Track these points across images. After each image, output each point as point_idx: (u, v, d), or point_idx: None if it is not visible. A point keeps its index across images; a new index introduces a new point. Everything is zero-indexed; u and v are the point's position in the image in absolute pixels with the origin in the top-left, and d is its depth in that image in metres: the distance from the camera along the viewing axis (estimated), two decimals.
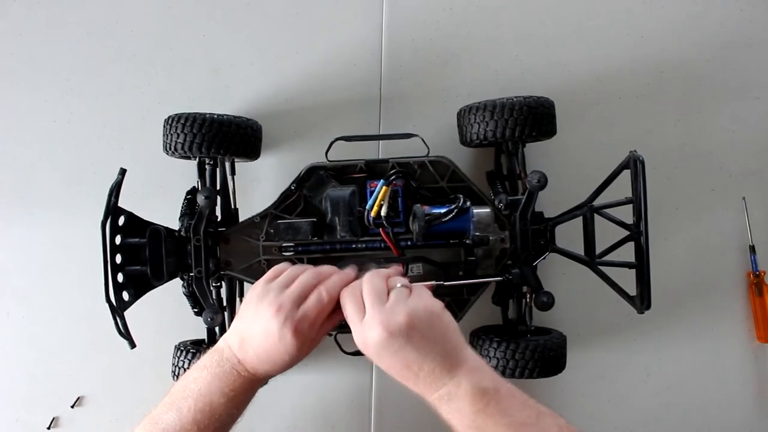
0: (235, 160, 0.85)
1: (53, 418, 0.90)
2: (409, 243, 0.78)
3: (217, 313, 0.76)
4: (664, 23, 0.94)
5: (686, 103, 0.93)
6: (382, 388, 0.90)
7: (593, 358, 0.91)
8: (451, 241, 0.79)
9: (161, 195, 0.90)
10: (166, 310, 0.89)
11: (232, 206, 0.85)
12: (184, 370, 0.78)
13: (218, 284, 0.81)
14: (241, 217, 0.84)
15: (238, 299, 0.84)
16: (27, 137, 0.93)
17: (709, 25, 0.94)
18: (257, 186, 0.91)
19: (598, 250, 0.77)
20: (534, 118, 0.78)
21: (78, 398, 0.90)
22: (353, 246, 0.79)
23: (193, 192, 0.81)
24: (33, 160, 0.93)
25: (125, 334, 0.74)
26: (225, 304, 0.83)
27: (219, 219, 0.83)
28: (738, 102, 0.94)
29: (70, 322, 0.91)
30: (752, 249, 0.91)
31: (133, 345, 0.75)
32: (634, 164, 0.74)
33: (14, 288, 0.92)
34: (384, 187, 0.75)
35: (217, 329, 0.82)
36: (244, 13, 0.92)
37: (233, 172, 0.85)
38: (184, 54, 0.92)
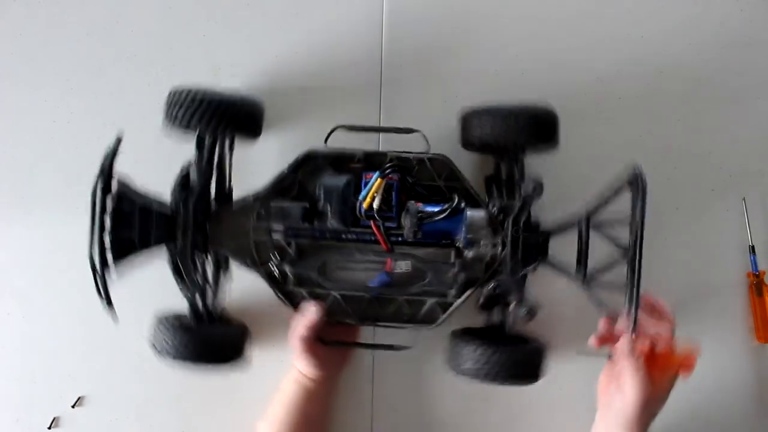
0: (235, 138, 0.84)
1: (53, 418, 0.90)
2: (399, 239, 0.77)
3: (197, 287, 0.75)
4: (664, 23, 0.94)
5: (686, 103, 0.93)
6: (382, 388, 0.90)
7: (593, 358, 0.91)
8: (443, 242, 0.78)
9: (161, 196, 0.90)
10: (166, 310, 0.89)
11: (227, 185, 0.84)
12: (165, 342, 0.77)
13: (204, 257, 0.80)
14: (235, 197, 0.84)
15: (223, 277, 0.84)
16: (27, 137, 0.93)
17: (708, 25, 0.94)
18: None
19: (597, 261, 0.76)
20: (537, 129, 0.77)
21: (78, 398, 0.90)
22: (342, 236, 0.78)
23: (188, 167, 0.80)
24: (33, 160, 0.93)
25: (106, 296, 0.73)
26: (211, 281, 0.82)
27: (213, 197, 0.82)
28: (738, 102, 0.94)
29: (70, 322, 0.91)
30: (752, 249, 0.91)
31: (111, 308, 0.74)
32: (635, 181, 0.72)
33: (14, 288, 0.92)
34: (378, 179, 0.74)
35: (199, 303, 0.80)
36: (244, 12, 0.92)
37: (231, 150, 0.84)
38: (184, 54, 0.92)
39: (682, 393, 0.91)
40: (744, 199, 0.92)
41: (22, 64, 0.93)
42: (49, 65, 0.93)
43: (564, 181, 0.90)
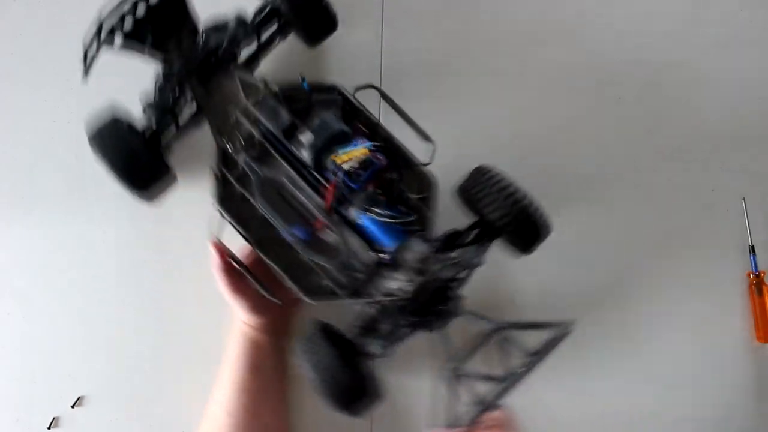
0: (293, 34, 0.85)
1: (53, 418, 0.90)
2: (342, 211, 0.74)
3: (161, 111, 0.76)
4: (664, 23, 0.94)
5: (686, 103, 0.94)
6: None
7: (592, 357, 0.91)
8: (373, 245, 0.74)
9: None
10: (166, 309, 0.89)
11: (258, 62, 0.84)
12: (102, 137, 0.77)
13: (187, 98, 0.79)
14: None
15: (189, 126, 0.83)
16: (27, 137, 0.93)
17: (708, 25, 0.94)
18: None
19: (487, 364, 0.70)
20: (526, 234, 0.75)
21: (78, 398, 0.90)
22: (301, 170, 0.76)
23: (236, 20, 0.80)
24: (33, 160, 0.93)
25: (91, 60, 0.75)
26: (179, 118, 0.81)
27: (240, 60, 0.83)
28: (738, 102, 0.94)
29: (70, 322, 0.91)
30: (752, 249, 0.91)
31: (87, 69, 0.76)
32: (558, 334, 0.68)
33: (14, 288, 0.92)
34: (364, 148, 0.72)
35: (151, 120, 0.79)
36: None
37: (284, 38, 0.84)
38: None
39: (683, 392, 0.92)
40: (744, 199, 0.92)
41: (22, 64, 0.93)
42: (49, 65, 0.93)
43: (565, 180, 0.90)
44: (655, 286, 0.91)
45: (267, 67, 0.88)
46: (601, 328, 0.91)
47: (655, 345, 0.91)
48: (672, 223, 0.92)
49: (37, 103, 0.93)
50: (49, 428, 0.90)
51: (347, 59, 0.94)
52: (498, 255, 0.87)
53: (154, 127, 0.80)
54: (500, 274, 0.90)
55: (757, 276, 0.90)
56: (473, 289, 0.81)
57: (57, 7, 0.93)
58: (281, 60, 0.90)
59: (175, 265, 0.91)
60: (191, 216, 0.86)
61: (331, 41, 0.91)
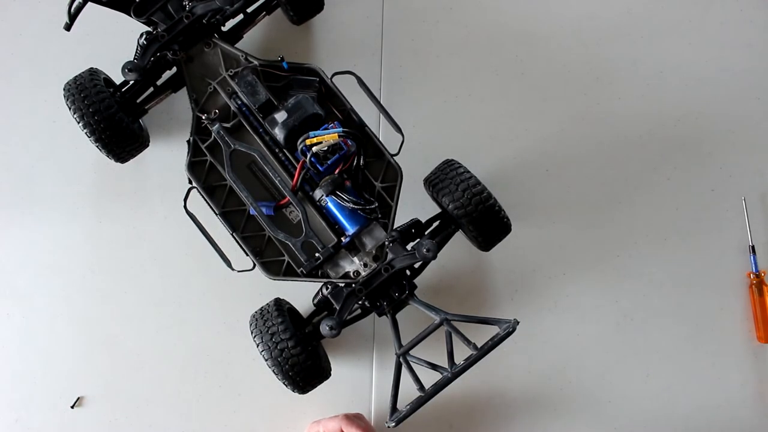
0: (288, 9, 0.87)
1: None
2: (309, 192, 0.78)
3: (140, 70, 0.76)
4: (664, 23, 0.94)
5: (686, 103, 0.94)
6: (382, 387, 0.90)
7: (593, 357, 0.91)
8: (335, 226, 0.78)
9: (160, 194, 0.90)
10: (166, 309, 0.89)
11: (242, 33, 0.85)
12: (82, 93, 0.77)
13: (170, 54, 0.80)
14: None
15: (166, 92, 0.84)
16: (27, 137, 0.93)
17: (708, 25, 0.94)
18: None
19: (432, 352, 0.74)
20: (487, 230, 0.79)
21: (78, 398, 0.90)
22: (272, 147, 0.79)
23: None
24: (33, 160, 0.93)
25: (74, 14, 0.77)
26: (160, 81, 0.83)
27: (223, 30, 0.83)
28: (738, 102, 0.94)
29: (70, 322, 0.91)
30: (752, 249, 0.91)
31: (68, 27, 0.78)
32: (504, 332, 0.71)
33: (14, 288, 0.92)
34: (335, 134, 0.75)
35: (129, 76, 0.79)
36: None
37: (270, 12, 0.85)
38: None
39: (684, 392, 0.92)
40: (744, 199, 0.92)
41: (22, 64, 0.94)
42: (49, 65, 0.93)
43: (564, 180, 0.90)
44: (656, 286, 0.91)
45: (273, 38, 0.88)
46: (600, 327, 0.91)
47: (656, 345, 0.91)
48: (672, 223, 0.92)
49: (37, 103, 0.93)
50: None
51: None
52: (499, 254, 0.88)
53: (131, 82, 0.81)
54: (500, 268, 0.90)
55: (757, 276, 0.90)
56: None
57: (57, 7, 0.93)
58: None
59: (176, 266, 0.91)
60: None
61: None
